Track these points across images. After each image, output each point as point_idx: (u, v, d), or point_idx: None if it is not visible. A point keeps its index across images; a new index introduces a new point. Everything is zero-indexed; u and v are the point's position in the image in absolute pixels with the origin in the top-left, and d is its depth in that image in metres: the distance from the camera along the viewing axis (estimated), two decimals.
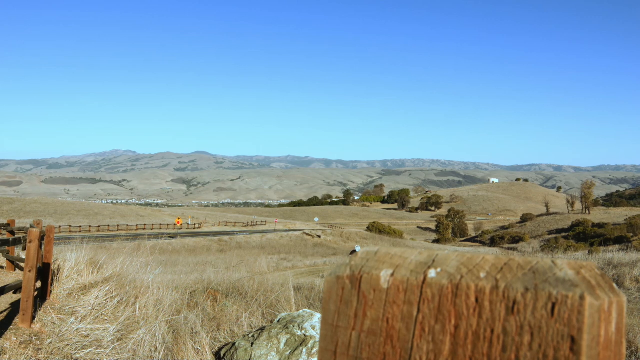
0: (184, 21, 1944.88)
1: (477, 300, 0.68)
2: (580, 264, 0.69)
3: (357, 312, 0.76)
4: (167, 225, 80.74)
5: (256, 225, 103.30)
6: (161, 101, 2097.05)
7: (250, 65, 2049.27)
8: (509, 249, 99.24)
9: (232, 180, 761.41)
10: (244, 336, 7.50)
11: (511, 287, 0.66)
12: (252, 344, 7.12)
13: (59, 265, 10.18)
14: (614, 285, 0.74)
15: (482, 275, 0.69)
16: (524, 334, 0.64)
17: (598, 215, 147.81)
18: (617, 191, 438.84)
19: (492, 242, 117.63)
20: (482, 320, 0.67)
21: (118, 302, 9.02)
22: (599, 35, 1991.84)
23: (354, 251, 16.65)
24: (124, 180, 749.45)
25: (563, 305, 0.63)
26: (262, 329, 7.40)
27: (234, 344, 7.31)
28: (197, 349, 7.26)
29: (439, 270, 0.72)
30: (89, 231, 62.20)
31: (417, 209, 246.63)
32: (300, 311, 7.65)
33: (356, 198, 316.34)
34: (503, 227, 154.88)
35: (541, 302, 0.64)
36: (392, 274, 0.74)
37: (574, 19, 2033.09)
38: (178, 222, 71.53)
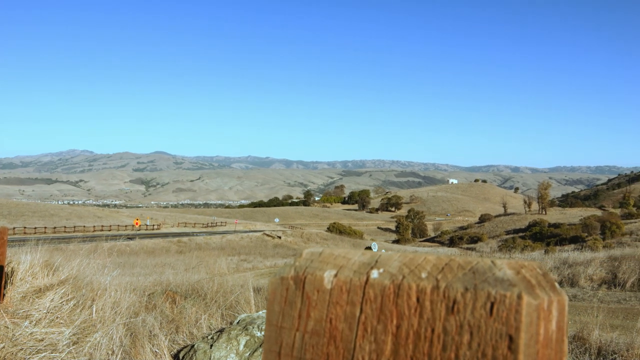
0: (140, 19, 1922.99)
1: (418, 300, 0.68)
2: (521, 264, 0.70)
3: (301, 313, 0.76)
4: (126, 226, 79.67)
5: (216, 226, 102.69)
6: (119, 100, 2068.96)
7: (209, 65, 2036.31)
8: (467, 249, 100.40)
9: (191, 180, 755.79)
10: (203, 338, 7.43)
11: (451, 287, 0.67)
12: (212, 345, 7.07)
13: (12, 268, 9.96)
14: (556, 284, 0.75)
15: (424, 275, 0.69)
16: (464, 333, 0.65)
17: (554, 215, 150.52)
18: (573, 192, 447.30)
19: (451, 242, 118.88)
20: (423, 320, 0.68)
21: (74, 304, 8.86)
22: (554, 36, 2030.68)
23: (368, 248, 16.71)
24: (81, 180, 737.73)
25: (501, 304, 0.64)
26: (221, 331, 7.35)
27: (193, 346, 7.24)
28: (156, 351, 7.17)
29: (381, 270, 0.72)
30: (45, 233, 60.98)
31: (377, 210, 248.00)
32: (260, 312, 7.63)
33: (317, 199, 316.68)
34: (462, 228, 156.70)
35: (480, 301, 0.65)
36: (336, 275, 0.75)
37: (529, 19, 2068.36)
38: (136, 223, 70.70)
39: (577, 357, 7.43)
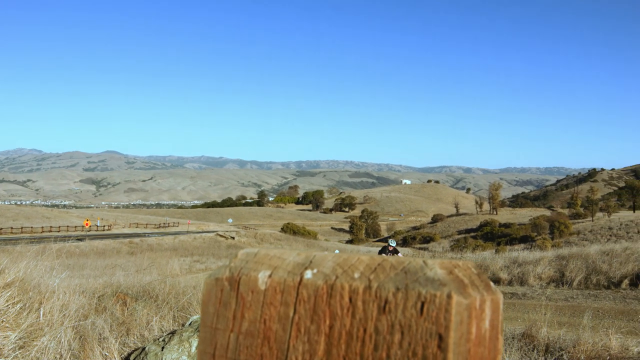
0: (92, 18, 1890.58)
1: (350, 300, 0.68)
2: (454, 264, 0.71)
3: (235, 314, 0.76)
4: (75, 227, 78.08)
5: (168, 226, 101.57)
6: (70, 98, 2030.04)
7: (163, 64, 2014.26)
8: (420, 248, 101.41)
9: (143, 180, 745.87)
10: (155, 340, 7.34)
11: (383, 287, 0.67)
12: (163, 348, 6.98)
13: None
14: (491, 283, 0.76)
15: (356, 275, 0.69)
16: (395, 332, 0.66)
17: (505, 215, 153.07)
18: (523, 192, 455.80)
19: (404, 243, 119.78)
20: (355, 320, 0.68)
21: (20, 308, 8.64)
22: (504, 39, 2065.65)
23: (384, 247, 16.49)
24: (28, 180, 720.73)
25: (431, 304, 0.65)
26: (173, 333, 7.26)
27: (143, 348, 7.14)
28: (105, 354, 7.04)
29: (315, 271, 0.72)
30: None
31: (331, 210, 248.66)
32: None
33: (271, 199, 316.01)
34: (415, 228, 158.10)
35: (411, 301, 0.66)
36: (270, 275, 0.74)
37: (483, 21, 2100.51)
38: (86, 224, 69.47)
39: (525, 354, 7.56)
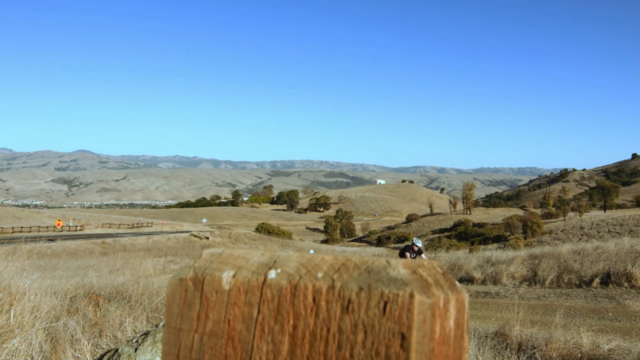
0: (62, 17, 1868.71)
1: (314, 300, 0.68)
2: (419, 263, 0.71)
3: (199, 315, 0.75)
4: (47, 227, 77.00)
5: (142, 226, 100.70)
6: (41, 97, 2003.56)
7: (136, 63, 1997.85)
8: (394, 248, 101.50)
9: (116, 180, 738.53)
10: (128, 341, 7.27)
11: (346, 286, 0.67)
12: (136, 349, 6.92)
13: None
14: (456, 283, 0.77)
15: (320, 275, 0.69)
16: (358, 332, 0.66)
17: (478, 215, 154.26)
18: (496, 192, 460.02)
19: (379, 242, 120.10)
20: (319, 319, 0.68)
21: None
22: (478, 39, 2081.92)
23: (408, 247, 16.18)
24: None
25: (394, 303, 0.65)
26: (146, 334, 7.20)
27: (117, 350, 7.07)
28: (78, 356, 6.97)
29: (279, 271, 0.72)
30: None
31: (306, 210, 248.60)
32: None
33: (245, 199, 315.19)
34: (389, 227, 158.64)
35: (374, 300, 0.66)
36: (234, 275, 0.74)
37: (454, 21, 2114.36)
38: (58, 224, 68.61)
39: (498, 352, 7.63)
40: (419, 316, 0.65)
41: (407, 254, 15.36)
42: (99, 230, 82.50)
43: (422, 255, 15.74)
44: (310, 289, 0.69)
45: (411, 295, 0.65)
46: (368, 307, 0.66)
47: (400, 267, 0.68)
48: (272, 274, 0.72)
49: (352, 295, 0.67)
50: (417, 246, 15.53)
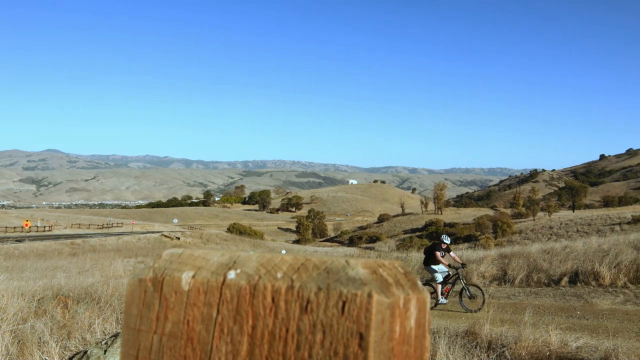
0: (27, 15, 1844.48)
1: (273, 300, 0.68)
2: (380, 263, 0.72)
3: (158, 315, 0.75)
4: (14, 228, 75.74)
5: (112, 227, 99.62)
6: (8, 95, 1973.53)
7: (105, 61, 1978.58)
8: (366, 248, 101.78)
9: (86, 180, 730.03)
10: (97, 343, 7.19)
11: (305, 286, 0.67)
12: (105, 351, 6.85)
13: None
14: (418, 282, 0.77)
15: (279, 275, 0.69)
16: (317, 332, 0.66)
17: (449, 215, 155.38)
18: (467, 192, 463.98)
19: (351, 242, 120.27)
20: (277, 320, 0.68)
21: None
22: (448, 39, 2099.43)
23: (436, 245, 15.90)
24: None
25: (352, 303, 0.65)
26: (116, 335, 7.13)
27: (85, 352, 6.99)
28: (46, 359, 6.88)
29: (238, 271, 0.72)
30: None
31: (277, 210, 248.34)
32: None
33: (217, 199, 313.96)
34: (361, 227, 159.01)
35: (332, 300, 0.66)
36: (193, 276, 0.74)
37: (422, 21, 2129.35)
38: (26, 225, 67.66)
39: (469, 351, 7.69)
40: (378, 316, 0.65)
41: (438, 252, 15.43)
42: (68, 231, 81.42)
43: (451, 253, 15.89)
44: (269, 289, 0.69)
45: (369, 295, 0.65)
46: (327, 307, 0.66)
47: (359, 267, 0.68)
48: (231, 275, 0.72)
49: (310, 295, 0.67)
50: (445, 243, 15.62)
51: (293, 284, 0.68)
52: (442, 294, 15.46)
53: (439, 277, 15.47)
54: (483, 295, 14.44)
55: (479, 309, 13.96)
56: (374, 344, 0.64)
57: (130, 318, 0.77)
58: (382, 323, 0.66)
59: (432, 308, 14.89)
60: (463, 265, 15.73)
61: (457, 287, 16.03)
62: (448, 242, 15.77)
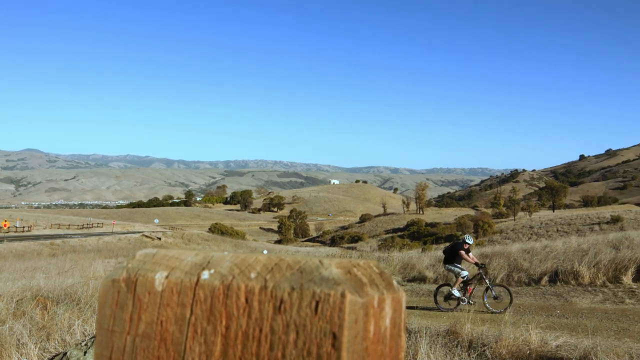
0: (6, 15, 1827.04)
1: (247, 300, 0.68)
2: (354, 263, 0.72)
3: (132, 316, 0.74)
4: None
5: (92, 227, 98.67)
6: None
7: (85, 59, 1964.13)
8: (348, 248, 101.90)
9: (66, 180, 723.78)
10: (77, 345, 7.13)
11: (279, 286, 0.67)
12: (86, 352, 6.79)
13: None
14: (393, 282, 0.77)
15: (253, 275, 0.69)
16: (290, 332, 0.66)
17: (431, 215, 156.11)
18: (448, 192, 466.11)
19: (333, 242, 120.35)
20: (251, 320, 0.68)
21: None
22: (432, 40, 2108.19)
23: (458, 244, 15.50)
24: None
25: (325, 303, 0.65)
26: (96, 337, 7.07)
27: (65, 353, 6.93)
28: None
29: (212, 271, 0.71)
30: None
31: (259, 210, 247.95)
32: None
33: (198, 199, 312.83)
34: (343, 227, 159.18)
35: (306, 300, 0.66)
36: (167, 276, 0.73)
37: (407, 21, 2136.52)
38: (5, 225, 66.97)
39: (450, 350, 7.72)
40: (351, 315, 0.65)
41: (462, 251, 15.14)
42: (47, 231, 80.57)
43: (470, 254, 15.45)
44: (242, 289, 0.69)
45: (342, 295, 0.65)
46: (300, 307, 0.66)
47: (333, 267, 0.68)
48: (205, 275, 0.71)
49: (284, 295, 0.67)
50: (467, 243, 15.28)
51: (266, 284, 0.68)
52: (463, 293, 15.11)
53: (464, 273, 15.10)
54: (510, 295, 13.99)
55: (504, 310, 13.53)
56: (347, 344, 0.64)
57: (104, 319, 0.77)
58: (355, 323, 0.66)
59: (452, 309, 14.54)
60: (482, 265, 15.29)
61: (481, 287, 15.88)
62: (471, 242, 15.48)
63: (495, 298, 14.38)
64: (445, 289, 15.75)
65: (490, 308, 14.20)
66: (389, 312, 0.72)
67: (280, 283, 0.67)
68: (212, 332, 0.69)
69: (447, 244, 23.25)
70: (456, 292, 14.99)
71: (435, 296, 15.31)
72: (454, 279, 15.48)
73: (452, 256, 15.47)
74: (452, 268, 15.40)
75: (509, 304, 13.86)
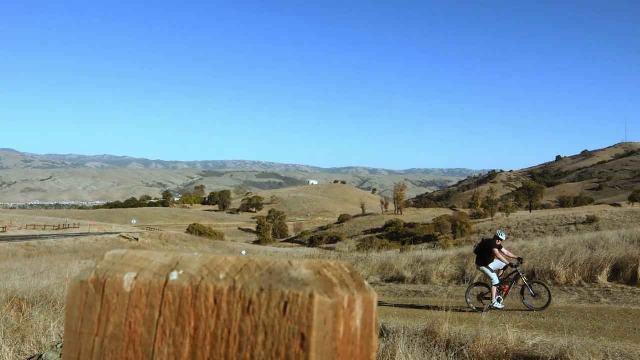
0: None
1: (215, 301, 0.68)
2: (325, 264, 0.72)
3: (100, 318, 0.74)
4: None
5: (69, 228, 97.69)
6: None
7: (63, 58, 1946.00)
8: (327, 248, 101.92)
9: (42, 180, 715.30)
10: (53, 347, 7.05)
11: (247, 287, 0.67)
12: (61, 355, 6.72)
13: None
14: (365, 283, 0.77)
15: (222, 276, 0.69)
16: (259, 333, 0.66)
17: (409, 215, 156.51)
18: (427, 193, 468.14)
19: (312, 243, 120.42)
20: (220, 321, 0.67)
21: None
22: (412, 40, 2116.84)
23: (490, 241, 14.54)
24: None
25: (294, 304, 0.65)
26: (64, 339, 7.00)
27: (41, 356, 6.85)
28: None
29: (181, 272, 0.71)
30: None
31: (238, 211, 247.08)
32: None
33: (176, 199, 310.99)
34: (322, 228, 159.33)
35: (274, 301, 0.66)
36: (136, 277, 0.73)
37: (388, 22, 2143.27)
38: None
39: (428, 350, 7.76)
40: (320, 316, 0.65)
41: (496, 249, 14.27)
42: (22, 232, 79.64)
43: (504, 249, 14.66)
44: (211, 290, 0.69)
45: (311, 296, 0.65)
46: (269, 308, 0.66)
47: (302, 268, 0.69)
48: (174, 276, 0.71)
49: (253, 296, 0.67)
50: (500, 239, 14.39)
51: (235, 285, 0.68)
52: (497, 295, 14.27)
53: (496, 279, 14.28)
54: (549, 292, 13.43)
55: (544, 307, 13.23)
56: (315, 345, 0.65)
57: (72, 320, 0.76)
58: (324, 323, 0.66)
59: (481, 310, 13.94)
60: (520, 260, 14.63)
61: (519, 284, 15.25)
62: (504, 238, 14.58)
63: (534, 295, 13.85)
64: (478, 289, 15.29)
65: (531, 306, 13.71)
66: (359, 313, 0.72)
67: (249, 284, 0.67)
68: (181, 333, 0.69)
69: (426, 244, 23.23)
70: (498, 305, 14.20)
71: (467, 293, 14.64)
72: (489, 283, 14.65)
73: (485, 255, 14.72)
74: (486, 271, 14.60)
75: (548, 301, 13.37)
